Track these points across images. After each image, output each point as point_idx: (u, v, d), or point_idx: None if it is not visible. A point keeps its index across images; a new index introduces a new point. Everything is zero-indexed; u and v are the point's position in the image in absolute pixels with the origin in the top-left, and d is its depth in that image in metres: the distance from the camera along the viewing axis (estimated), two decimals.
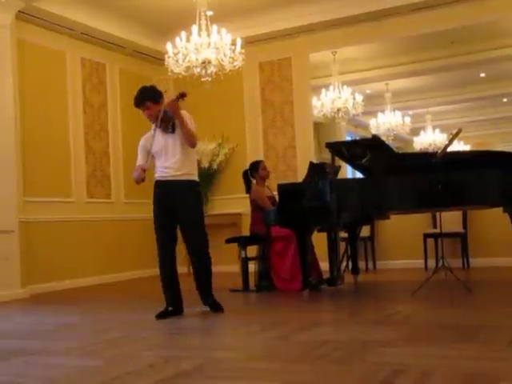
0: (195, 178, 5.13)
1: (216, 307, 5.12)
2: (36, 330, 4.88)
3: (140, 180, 4.94)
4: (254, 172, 7.17)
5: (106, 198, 9.03)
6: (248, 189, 7.15)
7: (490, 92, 11.95)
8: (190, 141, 5.00)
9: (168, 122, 5.00)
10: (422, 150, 13.08)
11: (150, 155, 5.01)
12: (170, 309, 5.01)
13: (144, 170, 4.95)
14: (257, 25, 8.99)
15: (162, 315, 4.96)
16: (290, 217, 6.31)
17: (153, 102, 5.01)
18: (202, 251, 5.08)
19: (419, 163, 5.97)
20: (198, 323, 4.76)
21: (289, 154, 9.27)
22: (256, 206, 7.02)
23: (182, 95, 4.90)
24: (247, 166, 7.39)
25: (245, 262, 6.88)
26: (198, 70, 7.28)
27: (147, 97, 5.02)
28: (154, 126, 5.05)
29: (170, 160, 4.99)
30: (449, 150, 5.87)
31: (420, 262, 8.23)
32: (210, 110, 9.57)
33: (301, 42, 9.16)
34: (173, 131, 5.02)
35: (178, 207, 4.99)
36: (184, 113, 5.03)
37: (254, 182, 7.17)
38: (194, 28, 7.27)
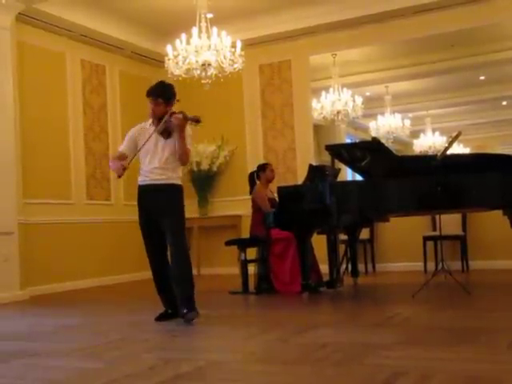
0: (176, 181, 4.98)
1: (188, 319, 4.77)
2: (35, 332, 4.87)
3: (121, 174, 4.79)
4: (261, 172, 7.18)
5: (106, 199, 9.02)
6: (252, 190, 7.16)
7: (490, 95, 11.95)
8: (183, 160, 4.91)
9: (166, 130, 4.86)
10: (422, 152, 13.06)
11: (135, 153, 4.91)
12: (170, 311, 4.98)
13: (124, 169, 4.80)
14: (257, 27, 8.99)
15: (161, 317, 4.95)
16: (290, 219, 6.32)
17: (164, 101, 4.88)
18: (180, 257, 4.83)
19: (419, 166, 5.98)
20: (198, 325, 4.75)
21: (288, 156, 9.27)
22: (257, 208, 7.03)
23: (197, 121, 4.78)
24: (253, 169, 7.42)
25: (244, 264, 6.88)
26: (198, 72, 7.28)
27: (162, 93, 4.90)
28: (150, 122, 4.97)
29: (155, 163, 4.88)
30: (448, 152, 5.88)
31: (419, 265, 8.23)
32: (210, 112, 9.55)
33: (301, 45, 9.17)
34: (167, 137, 4.89)
35: (158, 211, 4.88)
36: (187, 130, 4.90)
37: (258, 182, 7.18)
38: (194, 30, 7.27)
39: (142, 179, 4.99)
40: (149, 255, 5.01)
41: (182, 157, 4.88)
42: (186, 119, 4.76)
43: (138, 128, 5.06)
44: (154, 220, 4.93)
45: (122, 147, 5.04)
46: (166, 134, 4.89)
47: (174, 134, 4.86)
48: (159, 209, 4.89)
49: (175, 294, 4.92)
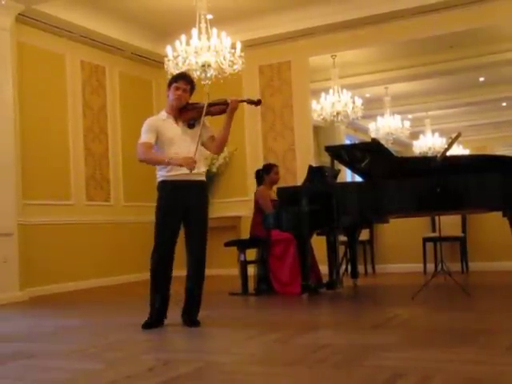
0: (204, 177, 4.90)
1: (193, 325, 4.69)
2: (35, 333, 4.87)
3: (194, 167, 4.59)
4: (266, 174, 7.16)
5: (106, 200, 9.02)
6: (259, 185, 7.15)
7: (490, 96, 11.95)
8: (221, 149, 4.95)
9: (193, 118, 4.76)
10: (422, 153, 13.06)
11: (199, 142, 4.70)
12: (156, 318, 4.70)
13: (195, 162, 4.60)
14: (256, 28, 8.99)
15: (147, 326, 4.66)
16: (290, 220, 6.31)
17: (191, 91, 4.86)
18: (203, 260, 4.76)
19: (418, 167, 5.98)
20: (197, 327, 4.74)
21: (288, 157, 9.27)
22: (258, 208, 7.02)
23: (258, 103, 4.92)
24: (256, 167, 7.39)
25: (244, 265, 6.88)
26: (198, 73, 7.28)
27: (192, 83, 4.87)
28: (165, 115, 4.81)
29: (187, 155, 4.65)
30: (448, 153, 5.87)
31: (419, 266, 8.23)
32: None
33: (300, 46, 9.17)
34: (192, 126, 4.77)
35: (192, 210, 4.71)
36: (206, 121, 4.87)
37: (263, 183, 7.15)
38: (194, 31, 7.27)
39: (173, 173, 4.70)
40: (160, 241, 4.71)
41: (223, 145, 4.88)
42: (242, 101, 4.82)
43: (153, 120, 4.83)
44: (179, 217, 4.72)
45: (147, 139, 4.69)
46: (192, 124, 4.78)
47: (197, 125, 4.74)
48: (193, 208, 4.72)
49: (167, 299, 4.76)
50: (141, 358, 3.64)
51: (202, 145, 4.87)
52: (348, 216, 6.15)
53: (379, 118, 11.80)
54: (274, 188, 7.17)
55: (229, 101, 4.81)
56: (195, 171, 4.67)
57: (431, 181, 5.57)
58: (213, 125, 4.96)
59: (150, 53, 9.55)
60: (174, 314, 4.79)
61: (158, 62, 9.30)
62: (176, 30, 8.15)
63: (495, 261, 8.05)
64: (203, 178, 4.85)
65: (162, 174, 4.77)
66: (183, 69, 7.26)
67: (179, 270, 4.89)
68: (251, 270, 7.02)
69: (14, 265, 7.18)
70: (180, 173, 4.68)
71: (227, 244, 7.13)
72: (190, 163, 4.57)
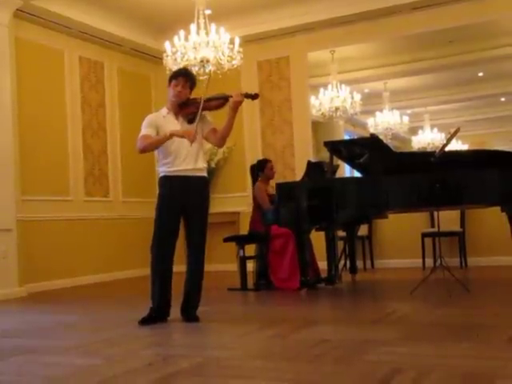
0: (206, 173, 4.87)
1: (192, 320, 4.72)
2: (34, 329, 4.87)
3: (195, 138, 4.58)
4: (260, 171, 7.14)
5: (104, 196, 9.02)
6: (254, 182, 7.13)
7: (489, 91, 11.95)
8: (223, 143, 4.89)
9: (193, 113, 4.74)
10: (420, 149, 13.07)
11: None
12: (154, 315, 4.68)
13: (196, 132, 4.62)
14: (255, 23, 8.98)
15: (145, 321, 4.65)
16: (289, 216, 6.32)
17: (191, 87, 4.83)
18: (202, 256, 4.77)
19: (417, 162, 5.98)
20: (196, 322, 4.75)
21: (287, 152, 9.27)
22: (257, 205, 7.01)
23: (255, 96, 4.87)
24: (254, 162, 7.38)
25: (243, 260, 6.88)
26: (197, 68, 7.28)
27: (192, 79, 4.84)
28: (165, 111, 4.80)
29: (187, 152, 4.67)
30: (447, 149, 5.88)
31: (418, 261, 8.23)
32: None
33: (299, 41, 9.16)
34: (192, 121, 4.73)
35: (192, 207, 4.71)
36: (207, 116, 4.88)
37: (259, 180, 7.15)
38: (193, 27, 7.27)
39: (175, 169, 4.70)
40: (160, 237, 4.69)
41: (225, 138, 4.82)
42: (245, 96, 4.76)
43: (153, 116, 4.84)
44: (179, 213, 4.71)
45: (147, 132, 4.67)
46: (192, 119, 4.76)
47: (197, 120, 4.70)
48: (194, 205, 4.71)
49: (168, 296, 4.74)
50: (140, 354, 3.64)
51: (204, 138, 4.85)
52: (347, 211, 6.15)
53: (378, 114, 11.81)
54: (271, 183, 7.17)
55: (229, 95, 4.76)
56: (192, 167, 4.68)
57: (430, 176, 5.57)
58: (216, 119, 4.93)
59: (148, 48, 9.53)
60: (174, 309, 4.80)
61: (156, 58, 9.27)
62: (174, 25, 8.12)
63: (494, 256, 8.06)
64: (204, 173, 4.83)
65: (163, 169, 4.76)
66: (182, 64, 7.25)
67: (180, 266, 4.89)
68: (250, 266, 7.02)
69: (13, 260, 7.18)
70: (181, 168, 4.69)
71: (226, 239, 7.14)
72: (192, 135, 4.56)
